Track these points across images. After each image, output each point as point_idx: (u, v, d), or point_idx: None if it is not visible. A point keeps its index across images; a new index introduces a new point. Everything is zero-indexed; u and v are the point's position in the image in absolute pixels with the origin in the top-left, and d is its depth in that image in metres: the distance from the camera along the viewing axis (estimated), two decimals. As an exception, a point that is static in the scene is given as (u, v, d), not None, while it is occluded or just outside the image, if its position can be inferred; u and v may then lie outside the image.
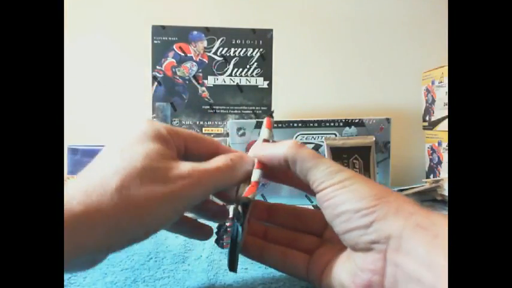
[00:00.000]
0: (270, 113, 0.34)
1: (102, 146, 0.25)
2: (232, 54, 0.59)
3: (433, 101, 0.69)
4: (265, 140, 0.31)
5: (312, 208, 0.28)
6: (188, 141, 0.28)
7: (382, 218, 0.22)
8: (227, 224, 0.39)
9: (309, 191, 0.27)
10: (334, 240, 0.27)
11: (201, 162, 0.26)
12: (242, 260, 0.36)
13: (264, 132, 0.32)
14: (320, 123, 0.55)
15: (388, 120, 0.55)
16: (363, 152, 0.52)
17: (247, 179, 0.28)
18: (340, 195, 0.24)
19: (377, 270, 0.22)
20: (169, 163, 0.24)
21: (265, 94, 0.60)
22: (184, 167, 0.25)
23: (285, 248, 0.30)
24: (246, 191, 0.28)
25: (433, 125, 0.69)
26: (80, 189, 0.20)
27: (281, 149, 0.27)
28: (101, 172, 0.22)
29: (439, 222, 0.21)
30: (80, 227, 0.19)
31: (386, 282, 0.22)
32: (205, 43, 0.59)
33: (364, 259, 0.23)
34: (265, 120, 0.33)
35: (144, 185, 0.22)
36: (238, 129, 0.54)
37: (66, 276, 0.31)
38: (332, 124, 0.55)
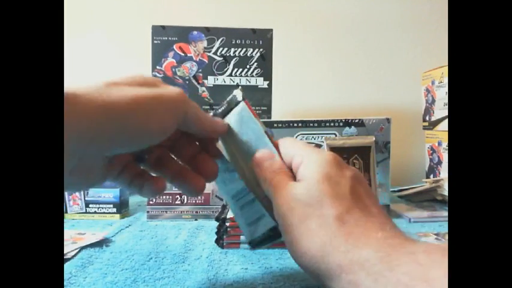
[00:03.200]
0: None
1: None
2: (232, 54, 0.59)
3: (433, 101, 0.69)
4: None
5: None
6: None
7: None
8: (227, 224, 0.39)
9: None
10: None
11: None
12: (242, 260, 0.36)
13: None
14: (320, 123, 0.55)
15: (388, 120, 0.55)
16: (362, 152, 0.52)
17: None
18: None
19: None
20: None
21: (265, 94, 0.60)
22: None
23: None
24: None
25: (433, 125, 0.69)
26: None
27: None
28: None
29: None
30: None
31: None
32: (205, 43, 0.59)
33: None
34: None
35: (130, 86, 0.23)
36: (238, 129, 0.54)
37: (66, 276, 0.31)
38: (332, 124, 0.55)
